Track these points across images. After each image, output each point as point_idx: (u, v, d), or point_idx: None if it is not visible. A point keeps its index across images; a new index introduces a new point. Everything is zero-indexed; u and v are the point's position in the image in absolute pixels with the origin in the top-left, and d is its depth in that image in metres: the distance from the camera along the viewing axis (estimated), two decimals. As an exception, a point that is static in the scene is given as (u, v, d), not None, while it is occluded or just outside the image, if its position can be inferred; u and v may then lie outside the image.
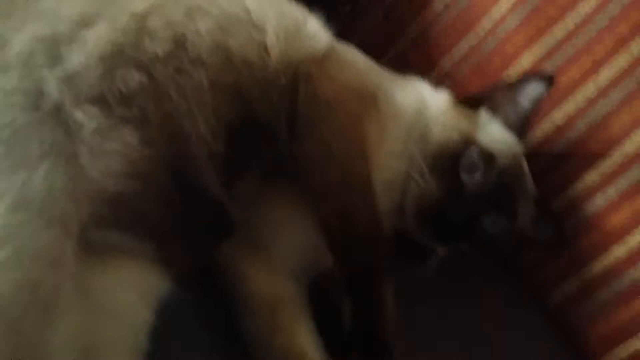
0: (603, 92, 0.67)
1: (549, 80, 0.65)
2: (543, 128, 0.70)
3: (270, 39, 0.58)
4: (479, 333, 0.67)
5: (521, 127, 0.66)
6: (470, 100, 0.68)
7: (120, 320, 0.49)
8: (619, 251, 0.67)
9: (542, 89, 0.65)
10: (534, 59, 0.71)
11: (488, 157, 0.61)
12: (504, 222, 0.62)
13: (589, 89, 0.66)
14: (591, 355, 0.69)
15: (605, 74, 0.67)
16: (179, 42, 0.53)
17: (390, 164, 0.63)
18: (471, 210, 0.59)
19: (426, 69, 0.79)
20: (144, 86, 0.50)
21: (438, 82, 0.77)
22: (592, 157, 0.66)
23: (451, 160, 0.61)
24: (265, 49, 0.57)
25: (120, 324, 0.49)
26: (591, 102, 0.66)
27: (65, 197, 0.44)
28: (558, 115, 0.69)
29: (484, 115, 0.66)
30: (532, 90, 0.65)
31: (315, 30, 0.64)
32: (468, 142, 0.62)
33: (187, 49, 0.53)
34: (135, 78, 0.50)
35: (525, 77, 0.66)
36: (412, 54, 0.83)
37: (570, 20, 0.69)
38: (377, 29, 0.90)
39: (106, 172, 0.47)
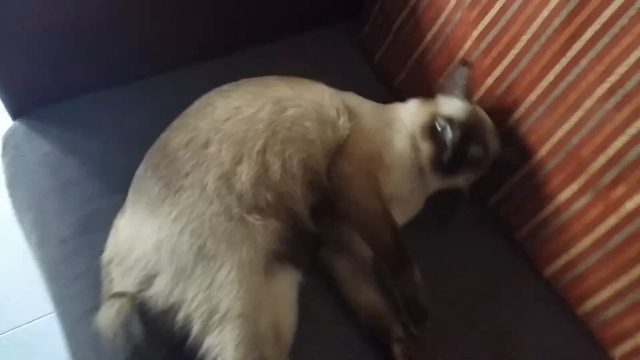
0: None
1: (468, 63, 1.03)
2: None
3: (318, 153, 0.93)
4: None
5: (467, 95, 1.02)
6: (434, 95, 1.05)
7: (285, 301, 0.90)
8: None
9: (467, 70, 1.02)
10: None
11: (449, 119, 0.97)
12: (480, 149, 0.97)
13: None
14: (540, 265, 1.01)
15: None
16: (285, 168, 0.90)
17: (404, 181, 0.99)
18: (456, 150, 0.94)
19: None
20: (276, 197, 0.88)
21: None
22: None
23: (430, 130, 0.98)
24: (317, 160, 0.93)
25: (286, 304, 0.90)
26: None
27: (257, 257, 0.84)
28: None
29: (440, 98, 1.03)
30: (462, 72, 1.02)
31: (344, 121, 0.97)
32: (435, 116, 0.99)
33: (287, 170, 0.90)
34: (270, 194, 0.88)
35: (455, 67, 1.04)
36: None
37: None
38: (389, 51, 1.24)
39: (270, 242, 0.87)
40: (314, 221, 0.94)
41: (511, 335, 0.94)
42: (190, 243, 0.82)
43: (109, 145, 1.06)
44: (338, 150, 0.96)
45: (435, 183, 1.02)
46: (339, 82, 1.04)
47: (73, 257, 0.94)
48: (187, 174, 0.87)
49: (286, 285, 0.92)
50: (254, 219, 0.86)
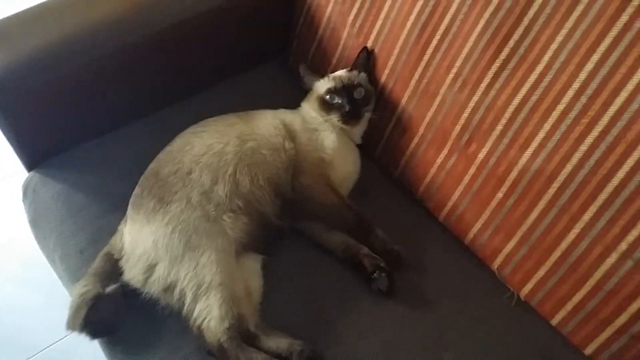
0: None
1: (368, 49, 1.38)
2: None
3: (279, 170, 1.26)
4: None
5: (367, 69, 1.39)
6: None
7: (253, 273, 1.19)
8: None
9: (366, 52, 1.38)
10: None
11: (329, 90, 1.36)
12: (360, 90, 1.34)
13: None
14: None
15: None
16: (253, 183, 1.21)
17: (344, 160, 1.36)
18: (349, 100, 1.33)
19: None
20: (246, 203, 1.18)
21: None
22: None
23: (326, 105, 1.36)
24: (279, 176, 1.25)
25: (254, 275, 1.19)
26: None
27: (229, 245, 1.14)
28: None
29: (313, 87, 1.43)
30: (363, 54, 1.38)
31: (288, 144, 1.30)
32: (320, 97, 1.38)
33: (255, 184, 1.21)
34: (241, 201, 1.18)
35: (360, 51, 1.38)
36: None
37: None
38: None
39: (240, 235, 1.16)
40: (280, 217, 1.26)
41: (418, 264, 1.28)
42: (179, 239, 1.13)
43: (104, 178, 1.39)
44: (294, 167, 1.29)
45: (356, 133, 1.41)
46: (275, 100, 1.44)
47: (90, 262, 1.24)
48: (176, 192, 1.18)
49: (253, 263, 1.23)
50: (227, 218, 1.18)
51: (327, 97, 1.35)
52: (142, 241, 1.15)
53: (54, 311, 1.67)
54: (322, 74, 1.44)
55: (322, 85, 1.39)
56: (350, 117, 1.33)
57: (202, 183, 1.19)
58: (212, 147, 1.25)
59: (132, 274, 1.15)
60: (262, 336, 1.12)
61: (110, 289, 1.14)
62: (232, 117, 1.35)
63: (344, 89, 1.34)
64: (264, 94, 1.57)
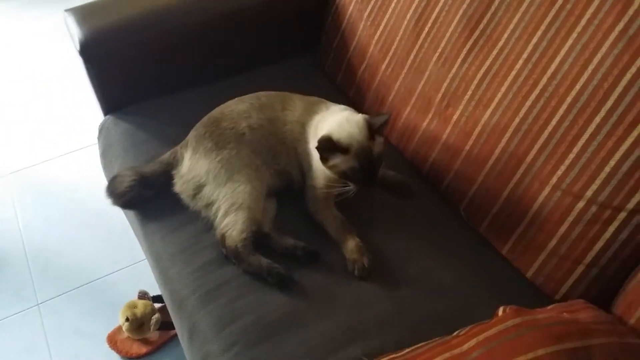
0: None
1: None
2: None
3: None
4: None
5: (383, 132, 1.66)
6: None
7: (272, 207, 1.44)
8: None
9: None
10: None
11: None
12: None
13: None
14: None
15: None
16: (288, 155, 1.44)
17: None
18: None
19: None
20: (281, 167, 1.45)
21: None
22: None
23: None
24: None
25: (271, 204, 1.44)
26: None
27: (261, 185, 1.40)
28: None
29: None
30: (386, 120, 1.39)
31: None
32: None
33: (289, 156, 1.47)
34: (279, 166, 1.45)
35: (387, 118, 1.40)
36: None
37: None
38: (333, 62, 2.00)
39: (271, 183, 1.44)
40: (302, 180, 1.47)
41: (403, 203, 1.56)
42: (225, 173, 1.41)
43: (162, 125, 1.73)
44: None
45: None
46: (302, 85, 1.69)
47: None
48: (229, 142, 1.43)
49: (273, 201, 1.51)
50: (266, 168, 1.45)
51: (350, 174, 1.37)
52: (198, 168, 1.44)
53: (108, 251, 2.21)
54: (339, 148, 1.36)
55: (344, 163, 1.36)
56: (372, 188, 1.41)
57: (252, 146, 1.45)
58: (264, 127, 1.48)
59: (184, 188, 1.49)
60: (273, 235, 1.42)
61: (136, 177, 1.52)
62: (297, 101, 1.53)
63: (370, 165, 1.37)
64: (295, 79, 1.89)
